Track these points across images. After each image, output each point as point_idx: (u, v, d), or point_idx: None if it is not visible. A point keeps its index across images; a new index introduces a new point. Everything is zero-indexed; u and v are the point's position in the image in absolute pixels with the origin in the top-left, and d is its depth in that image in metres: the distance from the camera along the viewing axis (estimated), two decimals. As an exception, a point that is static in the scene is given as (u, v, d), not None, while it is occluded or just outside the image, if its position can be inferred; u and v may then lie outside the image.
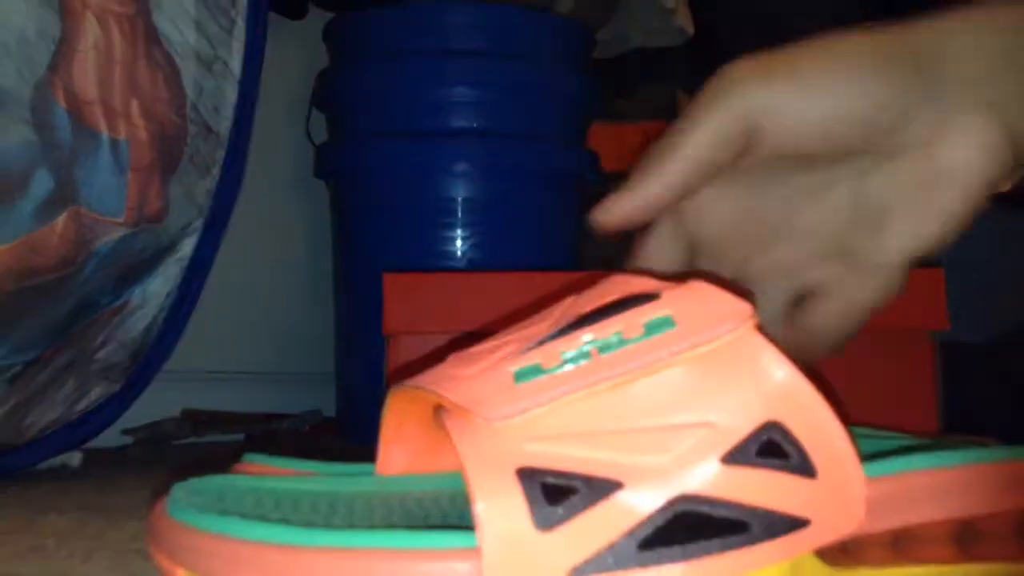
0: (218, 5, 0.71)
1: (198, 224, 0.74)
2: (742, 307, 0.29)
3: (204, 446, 0.96)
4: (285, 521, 0.29)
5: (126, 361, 0.74)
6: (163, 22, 0.68)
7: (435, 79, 0.97)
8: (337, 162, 1.02)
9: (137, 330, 0.74)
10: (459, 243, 0.96)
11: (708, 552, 0.26)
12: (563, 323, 0.30)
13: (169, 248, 0.73)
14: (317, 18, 1.08)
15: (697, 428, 0.27)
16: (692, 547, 0.26)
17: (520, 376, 0.29)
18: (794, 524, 0.27)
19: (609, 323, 0.29)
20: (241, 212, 0.78)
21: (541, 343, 0.29)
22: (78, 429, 0.72)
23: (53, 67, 0.60)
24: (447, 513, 0.32)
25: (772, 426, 0.27)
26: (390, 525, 0.30)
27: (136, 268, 0.70)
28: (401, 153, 0.96)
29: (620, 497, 0.26)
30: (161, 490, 0.30)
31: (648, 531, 0.26)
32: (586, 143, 1.07)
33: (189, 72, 0.70)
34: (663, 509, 0.26)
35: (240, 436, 1.00)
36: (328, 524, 0.30)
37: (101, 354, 0.72)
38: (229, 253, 0.79)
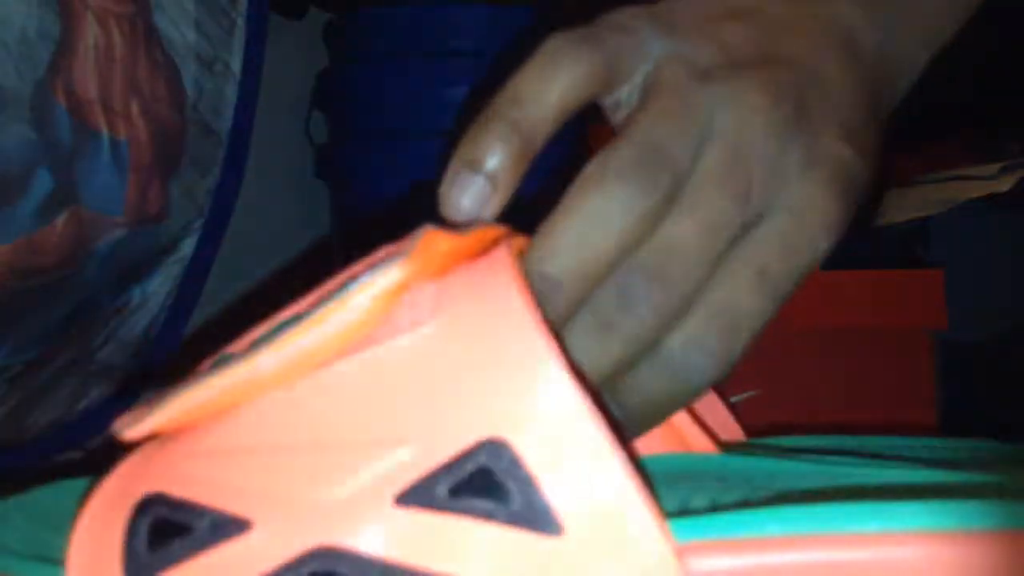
0: (218, 5, 0.71)
1: (198, 224, 0.74)
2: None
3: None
4: None
5: (126, 361, 0.74)
6: (163, 22, 0.68)
7: (435, 79, 0.96)
8: (337, 162, 1.02)
9: (137, 330, 0.74)
10: (459, 243, 0.96)
11: None
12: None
13: (169, 248, 0.73)
14: (317, 18, 1.08)
15: (389, 443, 0.18)
16: None
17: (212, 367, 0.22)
18: None
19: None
20: (241, 212, 0.78)
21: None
22: (78, 429, 0.72)
23: (53, 67, 0.60)
24: None
25: (491, 447, 0.17)
26: None
27: (136, 268, 0.70)
28: (401, 153, 0.96)
29: (239, 544, 0.18)
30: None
31: None
32: (586, 143, 1.07)
33: (189, 72, 0.70)
34: (291, 567, 0.18)
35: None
36: None
37: (101, 354, 0.72)
38: (229, 253, 0.79)
